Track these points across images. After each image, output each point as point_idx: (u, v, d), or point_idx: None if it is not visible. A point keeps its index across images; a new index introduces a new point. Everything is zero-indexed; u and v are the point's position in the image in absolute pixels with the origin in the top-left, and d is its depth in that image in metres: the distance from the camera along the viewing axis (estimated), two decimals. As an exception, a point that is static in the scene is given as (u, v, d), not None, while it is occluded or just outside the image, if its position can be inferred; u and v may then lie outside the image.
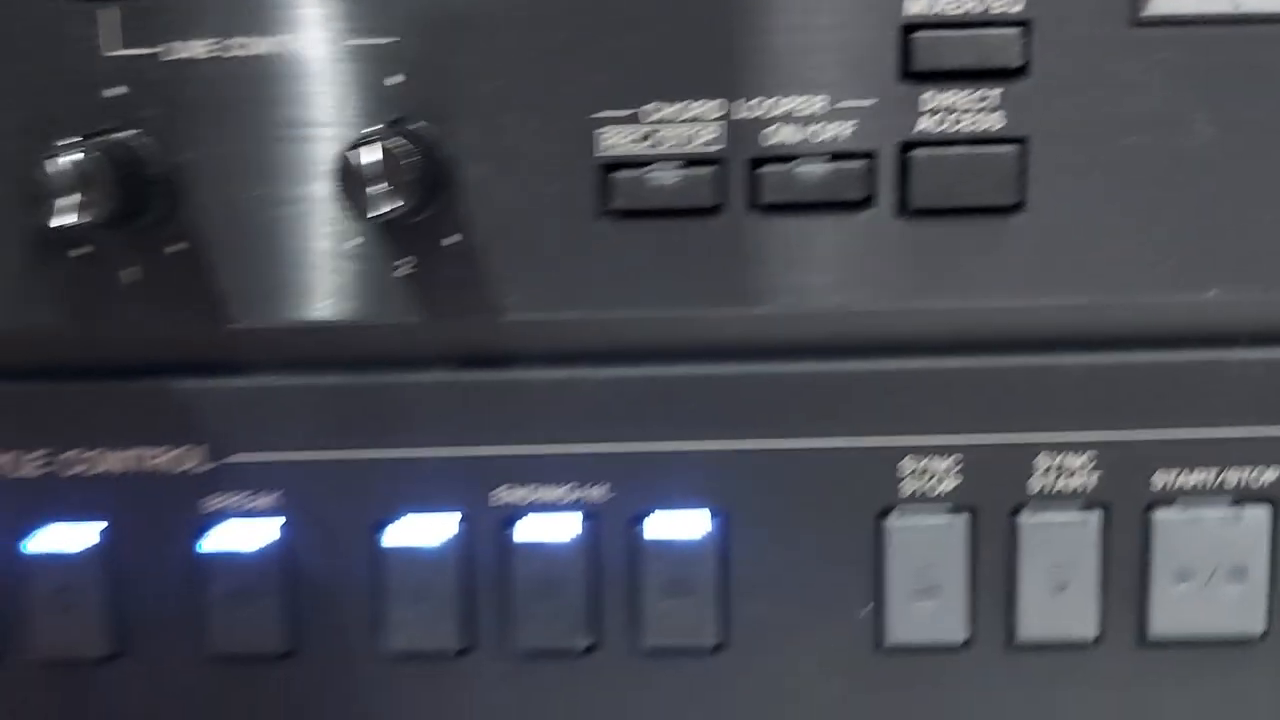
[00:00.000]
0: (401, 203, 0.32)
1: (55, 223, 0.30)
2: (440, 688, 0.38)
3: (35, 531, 0.37)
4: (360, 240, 0.35)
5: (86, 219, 0.31)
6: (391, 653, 0.37)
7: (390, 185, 0.32)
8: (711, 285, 0.35)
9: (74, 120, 0.34)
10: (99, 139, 0.33)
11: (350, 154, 0.32)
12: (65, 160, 0.31)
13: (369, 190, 0.32)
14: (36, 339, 0.36)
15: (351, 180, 0.32)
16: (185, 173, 0.35)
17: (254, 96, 0.34)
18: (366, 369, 0.37)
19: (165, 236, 0.35)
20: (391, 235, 0.35)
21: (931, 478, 0.36)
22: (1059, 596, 0.36)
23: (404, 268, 0.35)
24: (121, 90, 0.34)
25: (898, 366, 0.36)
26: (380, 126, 0.33)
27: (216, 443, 0.37)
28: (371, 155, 0.32)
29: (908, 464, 0.36)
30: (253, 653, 0.37)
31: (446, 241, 0.35)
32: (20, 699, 0.38)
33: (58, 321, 0.36)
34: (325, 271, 0.36)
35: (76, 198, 0.31)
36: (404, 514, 0.37)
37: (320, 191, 0.35)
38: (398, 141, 0.32)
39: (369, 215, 0.32)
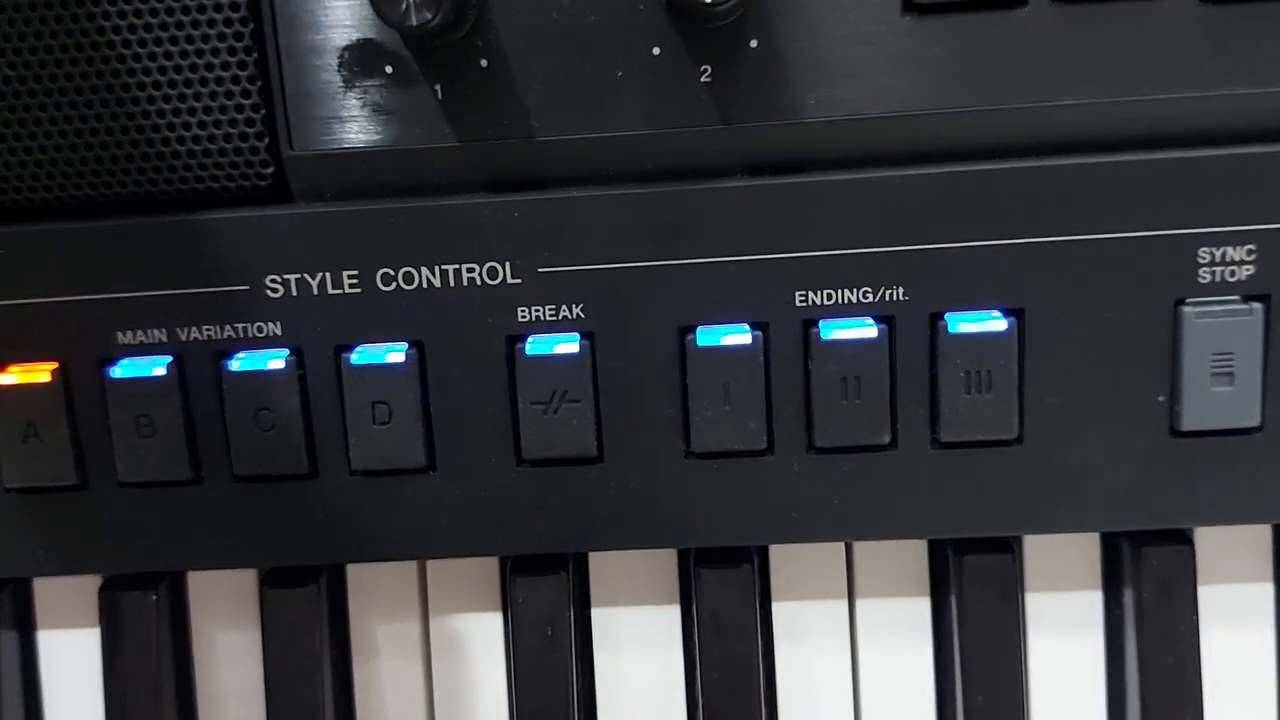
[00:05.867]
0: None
1: (414, 21, 0.31)
2: (743, 484, 0.39)
3: (354, 346, 0.38)
4: (663, 49, 0.36)
5: (431, 20, 0.33)
6: (697, 453, 0.38)
7: (720, -17, 0.33)
8: (1012, 79, 0.36)
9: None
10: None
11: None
12: (413, -36, 0.32)
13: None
14: (341, 161, 0.38)
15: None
16: (490, -12, 0.36)
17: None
18: (667, 178, 0.37)
19: (471, 51, 0.36)
20: (693, 42, 0.36)
21: (1227, 266, 0.37)
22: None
23: (706, 74, 0.36)
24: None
25: (1193, 155, 0.36)
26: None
27: (524, 256, 0.38)
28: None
29: (1204, 253, 0.37)
30: (563, 456, 0.38)
31: (748, 46, 0.36)
32: (341, 504, 0.39)
33: (370, 139, 0.37)
34: (628, 81, 0.36)
35: (428, -1, 0.32)
36: (708, 320, 0.38)
37: (619, 4, 0.36)
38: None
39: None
